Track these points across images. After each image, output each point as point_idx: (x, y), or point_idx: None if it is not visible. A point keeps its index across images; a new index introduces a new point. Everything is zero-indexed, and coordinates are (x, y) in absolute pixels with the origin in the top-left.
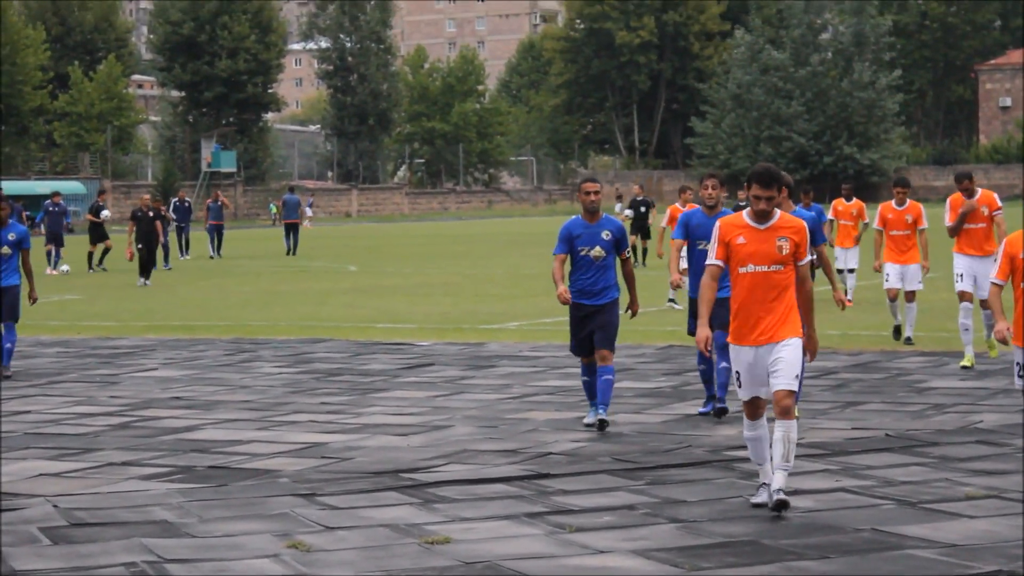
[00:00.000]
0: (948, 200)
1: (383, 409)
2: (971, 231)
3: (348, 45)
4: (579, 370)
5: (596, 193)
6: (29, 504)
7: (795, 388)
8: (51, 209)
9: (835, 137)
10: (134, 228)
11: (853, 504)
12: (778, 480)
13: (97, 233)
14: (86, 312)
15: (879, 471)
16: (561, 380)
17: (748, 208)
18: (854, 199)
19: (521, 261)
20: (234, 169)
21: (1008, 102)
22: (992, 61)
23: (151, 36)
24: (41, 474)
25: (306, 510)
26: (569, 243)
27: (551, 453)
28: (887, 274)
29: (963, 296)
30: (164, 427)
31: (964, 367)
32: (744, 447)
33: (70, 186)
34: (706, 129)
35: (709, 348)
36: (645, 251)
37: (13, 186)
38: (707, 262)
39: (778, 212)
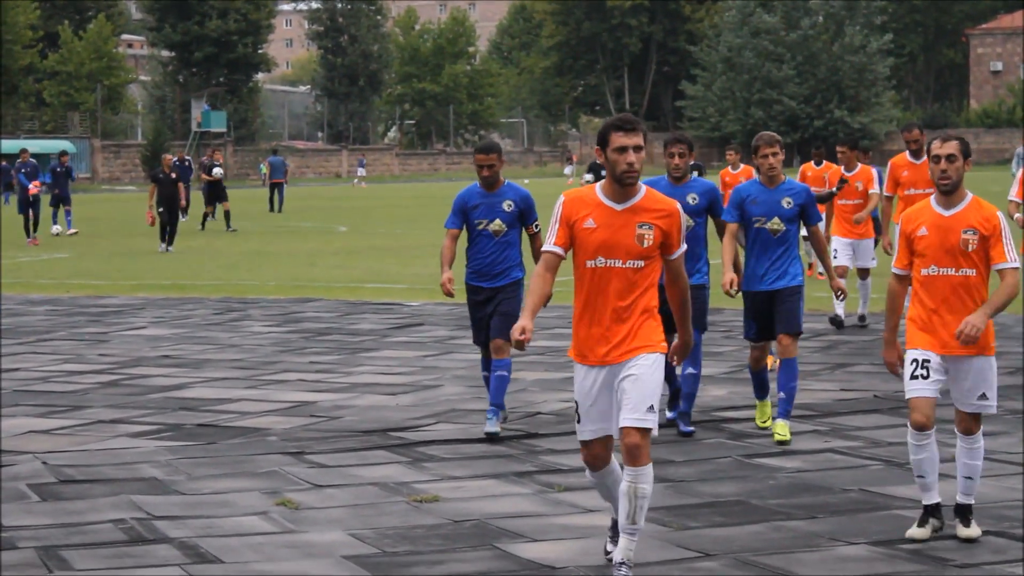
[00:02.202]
0: (890, 163)
1: (372, 368)
2: (844, 208)
3: (339, 6)
4: (566, 329)
5: (491, 167)
6: (18, 461)
7: (649, 424)
8: (58, 170)
9: (826, 101)
10: (155, 191)
11: (841, 464)
12: (621, 548)
13: (214, 192)
14: (75, 270)
15: (867, 432)
16: (549, 340)
17: (604, 180)
18: (825, 162)
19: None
20: (224, 129)
21: (999, 66)
22: (983, 25)
23: None
24: (30, 431)
25: (295, 468)
26: (464, 215)
27: (540, 413)
28: (834, 249)
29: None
30: (153, 385)
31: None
32: (735, 407)
33: (60, 145)
34: (697, 92)
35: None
36: None
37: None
38: (544, 247)
39: (643, 188)
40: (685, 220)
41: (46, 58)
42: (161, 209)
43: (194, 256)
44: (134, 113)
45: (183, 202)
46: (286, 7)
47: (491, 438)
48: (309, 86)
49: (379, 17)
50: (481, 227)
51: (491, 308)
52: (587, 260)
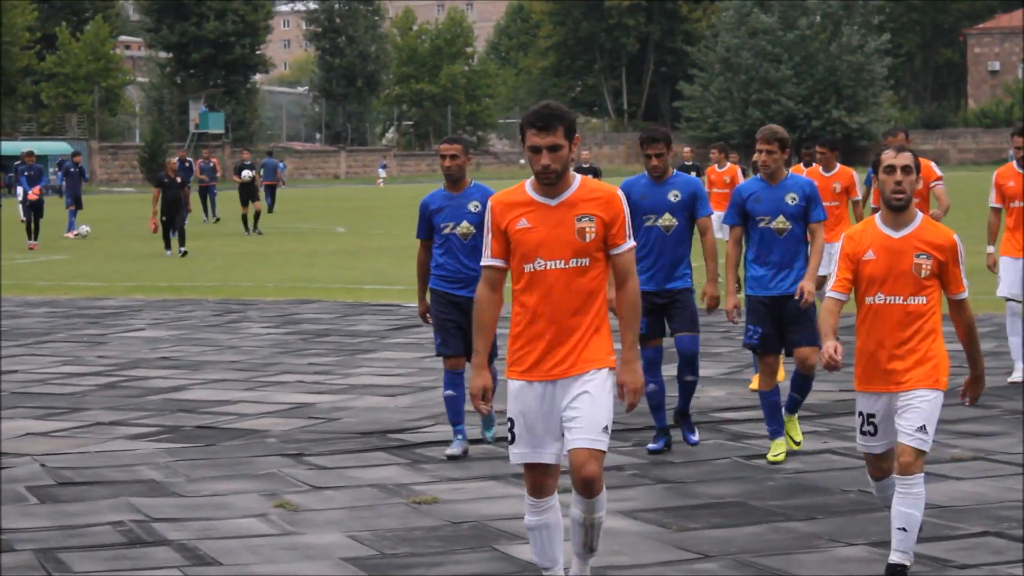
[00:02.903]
0: (995, 175)
1: (371, 370)
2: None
3: (336, 6)
4: None
5: (454, 157)
6: (16, 463)
7: (603, 446)
8: (72, 170)
9: (823, 101)
10: (159, 196)
11: (840, 466)
12: (575, 568)
13: (246, 193)
14: (74, 272)
15: None
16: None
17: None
18: (815, 164)
19: None
20: (222, 131)
21: (996, 66)
22: (981, 25)
23: None
24: (28, 433)
25: (294, 470)
26: (427, 222)
27: None
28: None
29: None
30: (151, 387)
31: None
32: (734, 408)
33: (58, 147)
34: (694, 92)
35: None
36: None
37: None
38: (482, 262)
39: (577, 178)
40: (628, 211)
41: (44, 60)
42: (164, 218)
43: (192, 258)
44: (132, 115)
45: (189, 207)
46: (283, 8)
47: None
48: (307, 87)
49: (377, 18)
50: (448, 230)
51: (465, 319)
52: (526, 264)
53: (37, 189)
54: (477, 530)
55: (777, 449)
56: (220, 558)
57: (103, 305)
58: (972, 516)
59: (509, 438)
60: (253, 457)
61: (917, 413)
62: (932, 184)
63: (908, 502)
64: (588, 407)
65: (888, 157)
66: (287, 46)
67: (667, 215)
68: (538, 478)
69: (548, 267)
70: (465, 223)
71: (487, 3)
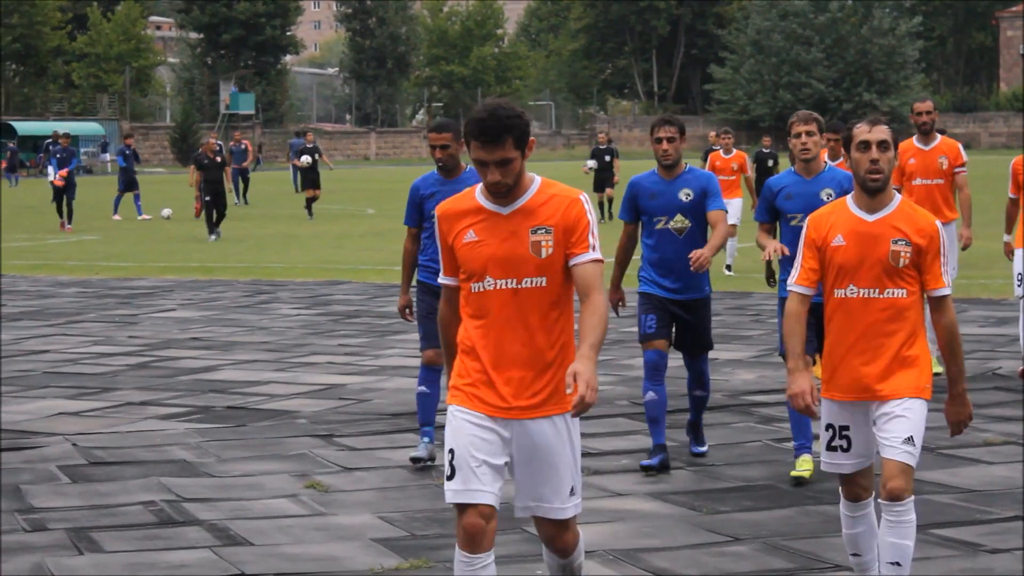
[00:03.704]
0: (1012, 164)
1: (401, 351)
2: None
3: None
4: None
5: (444, 148)
6: (48, 443)
7: (570, 512)
8: (127, 152)
9: (855, 84)
10: (200, 178)
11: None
12: None
13: (308, 178)
14: (105, 252)
15: None
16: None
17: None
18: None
19: None
20: (252, 111)
21: None
22: (1013, 8)
23: None
24: (60, 413)
25: (324, 451)
26: (418, 209)
27: None
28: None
29: None
30: (182, 367)
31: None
32: (764, 391)
33: (89, 127)
34: (725, 75)
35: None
36: (611, 201)
37: (31, 126)
38: (439, 279)
39: (535, 181)
40: (594, 216)
41: (75, 40)
42: (208, 197)
43: (223, 239)
44: (163, 95)
45: (229, 185)
46: None
47: (417, 461)
48: (337, 68)
49: None
50: None
51: None
52: (473, 283)
53: (63, 172)
54: (507, 511)
55: (803, 465)
56: (251, 538)
57: (134, 285)
58: (1004, 500)
59: (446, 472)
60: (284, 438)
61: (902, 423)
62: (956, 170)
63: (900, 532)
64: (551, 464)
65: (862, 131)
66: (318, 27)
67: (679, 216)
68: (471, 522)
69: (498, 287)
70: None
71: None
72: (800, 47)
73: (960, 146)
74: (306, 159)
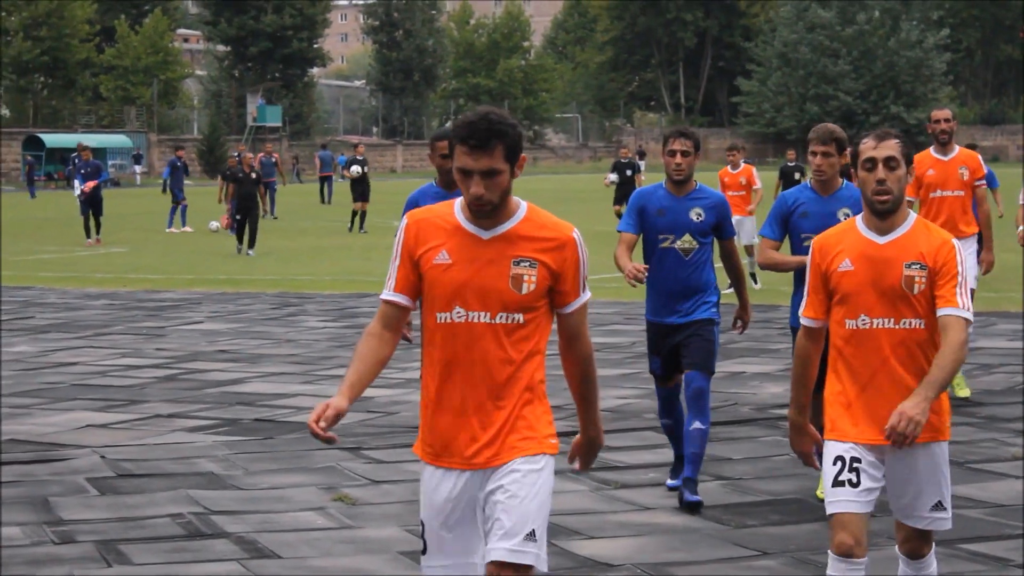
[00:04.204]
0: None
1: None
2: None
3: (394, 0)
4: (624, 326)
5: (446, 157)
6: (76, 455)
7: (530, 559)
8: (178, 164)
9: (882, 96)
10: (233, 192)
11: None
12: None
13: (357, 190)
14: (132, 265)
15: None
16: (605, 337)
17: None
18: None
19: (565, 218)
20: (279, 124)
21: None
22: None
23: None
24: (88, 425)
25: (352, 464)
26: None
27: None
28: None
29: None
30: (210, 380)
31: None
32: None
33: (116, 139)
34: (752, 88)
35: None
36: None
37: (58, 139)
38: (383, 295)
39: (522, 206)
40: (585, 255)
41: (103, 52)
42: (239, 216)
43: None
44: (190, 108)
45: (264, 206)
46: (341, 2)
47: None
48: (364, 81)
49: (434, 12)
50: None
51: None
52: (440, 312)
53: (91, 184)
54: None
55: None
56: (279, 551)
57: (162, 298)
58: None
59: (421, 547)
60: (311, 450)
61: (926, 485)
62: (976, 183)
63: None
64: (514, 506)
65: (867, 148)
66: (345, 40)
67: (687, 237)
68: None
69: (468, 319)
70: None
71: None
72: (827, 59)
73: (980, 158)
74: (356, 169)
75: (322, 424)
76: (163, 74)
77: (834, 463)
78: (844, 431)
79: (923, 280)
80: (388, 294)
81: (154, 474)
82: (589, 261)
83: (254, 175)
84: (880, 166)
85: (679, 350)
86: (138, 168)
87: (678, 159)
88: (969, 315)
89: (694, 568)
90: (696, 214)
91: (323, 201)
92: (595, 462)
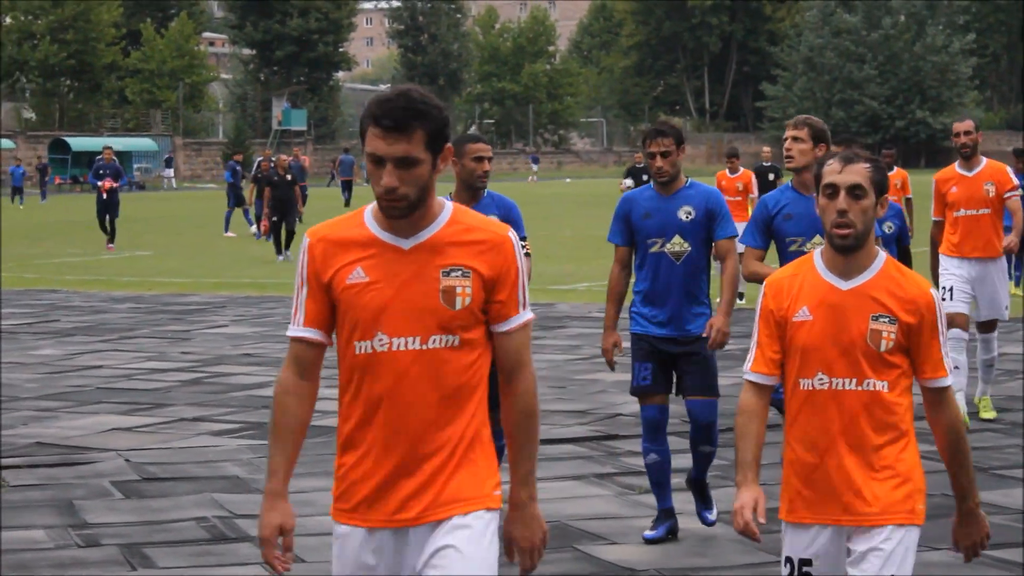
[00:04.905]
0: (933, 181)
1: None
2: None
3: (419, 4)
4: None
5: (491, 160)
6: (101, 458)
7: None
8: (236, 169)
9: (907, 101)
10: (269, 195)
11: (924, 469)
12: None
13: None
14: (158, 268)
15: None
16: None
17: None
18: (896, 168)
19: (590, 222)
20: (304, 128)
21: None
22: None
23: None
24: (113, 428)
25: None
26: None
27: (620, 414)
28: None
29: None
30: (235, 383)
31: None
32: None
33: (142, 143)
34: (777, 92)
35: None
36: None
37: (84, 142)
38: (289, 331)
39: (447, 207)
40: (525, 264)
41: (128, 56)
42: (275, 217)
43: (273, 254)
44: (215, 111)
45: (301, 208)
46: (367, 5)
47: None
48: (389, 85)
49: (459, 16)
50: None
51: None
52: (358, 341)
53: (108, 182)
54: (559, 530)
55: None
56: (303, 555)
57: (187, 301)
58: None
59: None
60: (335, 454)
61: (886, 563)
62: (1007, 195)
63: None
64: (455, 572)
65: (830, 172)
66: (370, 44)
67: (677, 238)
68: None
69: (394, 347)
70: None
71: (569, 2)
72: (853, 64)
73: (1009, 169)
74: (628, 182)
75: (282, 562)
76: (188, 78)
77: (785, 564)
78: (800, 512)
79: (892, 336)
80: (297, 330)
81: (179, 478)
82: (590, 268)
83: (289, 177)
84: (843, 194)
85: (675, 367)
86: (170, 172)
87: (658, 162)
88: (951, 379)
89: (719, 573)
90: (685, 212)
91: (347, 205)
92: (618, 466)
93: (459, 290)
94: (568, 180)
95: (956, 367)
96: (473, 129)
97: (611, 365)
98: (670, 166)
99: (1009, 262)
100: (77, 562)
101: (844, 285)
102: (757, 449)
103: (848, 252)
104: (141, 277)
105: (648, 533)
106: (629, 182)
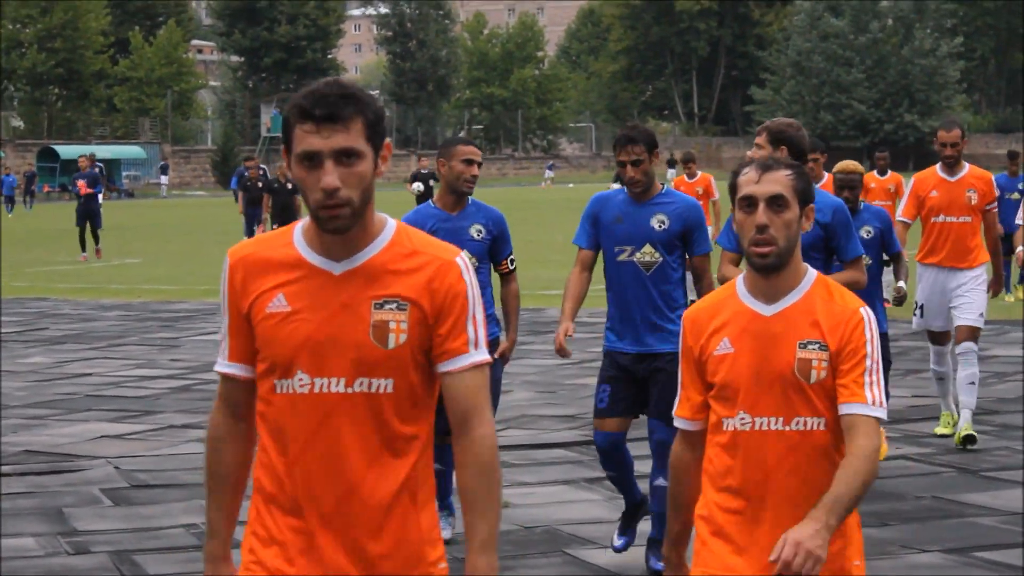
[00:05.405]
0: (912, 181)
1: None
2: None
3: (407, 11)
4: None
5: (480, 165)
6: (91, 465)
7: None
8: (244, 174)
9: (895, 105)
10: (269, 203)
11: (914, 472)
12: None
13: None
14: (146, 276)
15: (940, 439)
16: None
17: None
18: (890, 172)
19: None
20: None
21: None
22: None
23: (211, 1)
24: (102, 436)
25: None
26: None
27: None
28: None
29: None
30: None
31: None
32: None
33: (131, 151)
34: (766, 96)
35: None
36: None
37: (73, 150)
38: (217, 367)
39: (389, 226)
40: (476, 294)
41: (117, 64)
42: (276, 226)
43: None
44: (204, 118)
45: (299, 216)
46: (355, 12)
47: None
48: (378, 91)
49: (447, 22)
50: None
51: None
52: (278, 380)
53: (83, 184)
54: (549, 534)
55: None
56: None
57: (176, 308)
58: None
59: None
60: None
61: None
62: (988, 206)
63: None
64: None
65: (747, 181)
66: (358, 50)
67: (647, 248)
68: None
69: (316, 389)
70: (466, 253)
71: (558, 7)
72: (841, 68)
73: (993, 178)
74: (418, 187)
75: None
76: (177, 85)
77: None
78: (714, 568)
79: (823, 365)
80: (223, 365)
81: (168, 484)
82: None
83: (290, 185)
84: (761, 206)
85: (638, 387)
86: (164, 179)
87: (630, 171)
88: (882, 412)
89: None
90: (659, 221)
91: None
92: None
93: (393, 325)
94: (571, 185)
95: (941, 377)
96: (462, 135)
97: (563, 353)
98: (642, 174)
99: (1007, 269)
100: (67, 569)
101: (768, 310)
102: (685, 515)
103: (771, 273)
104: (130, 285)
105: (618, 542)
106: (616, 186)
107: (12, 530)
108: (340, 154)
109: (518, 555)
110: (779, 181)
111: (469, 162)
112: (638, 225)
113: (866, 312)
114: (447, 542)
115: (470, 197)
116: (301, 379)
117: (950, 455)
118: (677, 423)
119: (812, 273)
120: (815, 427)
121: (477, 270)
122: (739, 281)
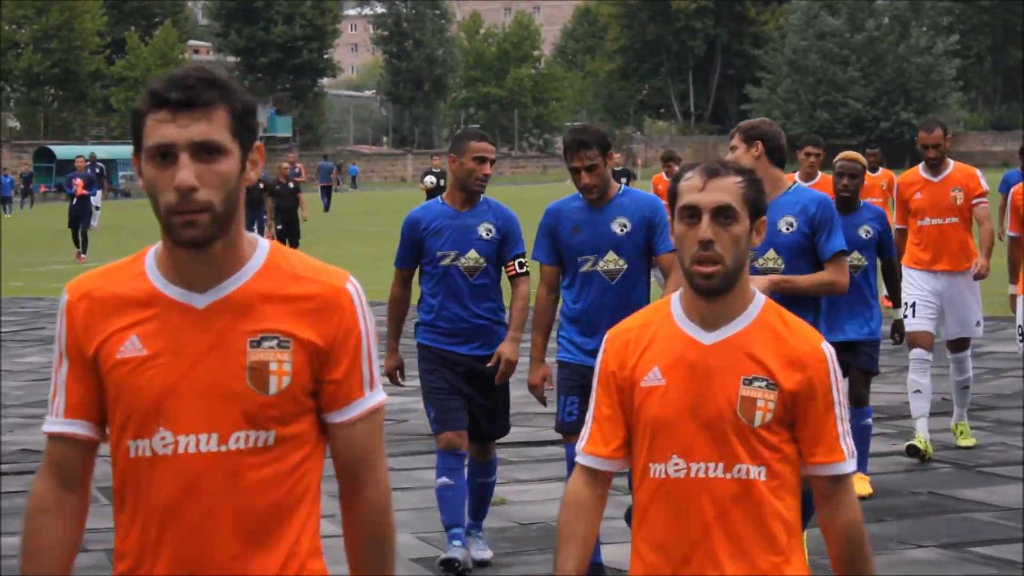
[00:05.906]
0: (1011, 192)
1: None
2: None
3: (404, 10)
4: None
5: (493, 163)
6: None
7: None
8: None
9: (892, 103)
10: (271, 204)
11: (910, 467)
12: None
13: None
14: None
15: (936, 435)
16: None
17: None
18: (881, 169)
19: None
20: (289, 134)
21: None
22: None
23: (207, 2)
24: None
25: None
26: (416, 248)
27: None
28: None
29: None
30: None
31: (914, 448)
32: None
33: (127, 151)
34: (762, 95)
35: None
36: None
37: (69, 150)
38: (46, 426)
39: (262, 248)
40: (370, 328)
41: (113, 64)
42: (280, 226)
43: None
44: None
45: (303, 213)
46: (351, 12)
47: (450, 566)
48: (374, 91)
49: (443, 21)
50: (447, 261)
51: (470, 387)
52: (133, 440)
53: (79, 183)
54: (544, 532)
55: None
56: None
57: None
58: None
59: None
60: None
61: None
62: (974, 202)
63: None
64: None
65: (690, 188)
66: (354, 50)
67: (611, 255)
68: None
69: (181, 449)
70: (474, 253)
71: (554, 6)
72: (837, 66)
73: (978, 172)
74: (430, 180)
75: None
76: None
77: None
78: None
79: (770, 406)
80: (55, 423)
81: None
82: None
83: (291, 185)
84: (706, 218)
85: None
86: None
87: (584, 178)
88: (855, 463)
89: None
90: (620, 225)
91: (326, 210)
92: None
93: (274, 367)
94: (567, 182)
95: (918, 391)
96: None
97: (542, 401)
98: (598, 180)
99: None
100: None
101: (708, 338)
102: (582, 562)
103: (714, 295)
104: None
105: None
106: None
107: (11, 529)
108: (199, 147)
109: (515, 551)
110: (727, 189)
111: (482, 160)
112: (598, 233)
113: (827, 348)
114: (458, 563)
115: (483, 196)
116: (163, 438)
117: (946, 451)
118: (584, 460)
119: (760, 298)
120: (757, 477)
121: (484, 271)
122: (674, 300)
